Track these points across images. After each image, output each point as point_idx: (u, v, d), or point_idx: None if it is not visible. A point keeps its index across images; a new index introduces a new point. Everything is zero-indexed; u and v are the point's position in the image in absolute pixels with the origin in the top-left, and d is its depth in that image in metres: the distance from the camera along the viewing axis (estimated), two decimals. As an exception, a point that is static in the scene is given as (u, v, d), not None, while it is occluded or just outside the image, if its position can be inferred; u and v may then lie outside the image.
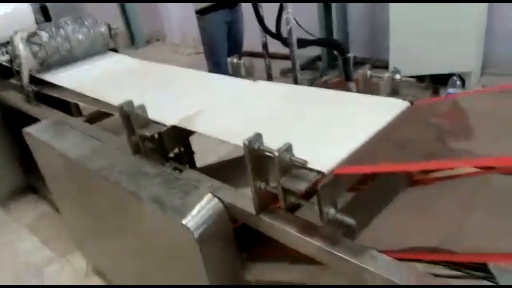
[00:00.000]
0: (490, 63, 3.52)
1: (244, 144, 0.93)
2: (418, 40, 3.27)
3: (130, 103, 1.28)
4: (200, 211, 1.09)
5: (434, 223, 0.98)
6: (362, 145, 0.98)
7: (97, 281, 2.09)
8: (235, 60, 1.59)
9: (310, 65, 4.44)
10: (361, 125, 1.05)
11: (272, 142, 0.93)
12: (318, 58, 4.39)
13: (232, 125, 1.22)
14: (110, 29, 2.20)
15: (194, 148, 1.76)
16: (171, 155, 1.41)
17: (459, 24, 3.13)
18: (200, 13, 3.16)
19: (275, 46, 3.43)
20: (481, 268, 1.93)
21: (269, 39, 3.32)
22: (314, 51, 4.31)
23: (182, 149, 1.72)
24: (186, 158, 1.74)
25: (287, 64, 3.41)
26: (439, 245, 0.90)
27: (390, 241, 0.96)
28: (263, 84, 1.48)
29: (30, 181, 2.79)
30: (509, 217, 0.93)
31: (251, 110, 1.32)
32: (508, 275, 1.81)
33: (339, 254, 0.86)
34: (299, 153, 0.91)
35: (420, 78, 3.46)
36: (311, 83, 3.81)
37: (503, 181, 1.02)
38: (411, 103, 1.11)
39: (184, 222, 1.06)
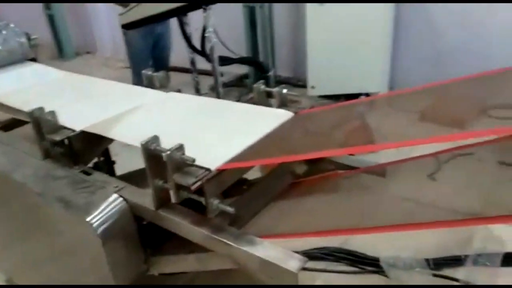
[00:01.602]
0: (396, 84, 3.92)
1: (141, 145, 1.04)
2: (333, 61, 3.58)
3: (40, 109, 1.34)
4: (104, 209, 1.17)
5: (307, 213, 1.15)
6: (249, 147, 1.13)
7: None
8: (149, 72, 1.70)
9: (238, 82, 4.65)
10: (250, 131, 1.21)
11: (172, 144, 1.04)
12: (246, 76, 4.61)
13: (138, 130, 1.32)
14: (29, 38, 2.21)
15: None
16: (91, 165, 1.47)
17: (367, 47, 3.49)
18: (126, 27, 3.23)
19: (206, 63, 3.59)
20: (375, 264, 2.17)
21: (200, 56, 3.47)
22: (242, 69, 4.53)
23: (102, 158, 1.80)
24: (106, 168, 1.81)
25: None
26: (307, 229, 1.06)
27: (271, 227, 1.12)
28: (174, 95, 1.61)
29: None
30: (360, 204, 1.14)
31: (159, 118, 1.43)
32: (395, 269, 2.06)
33: (222, 240, 0.99)
34: (195, 153, 1.04)
35: (336, 97, 3.78)
36: (238, 99, 4.00)
37: (365, 179, 1.23)
38: (296, 113, 1.29)
39: (88, 219, 1.14)
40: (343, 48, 3.55)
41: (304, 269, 1.66)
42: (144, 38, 3.28)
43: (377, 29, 3.50)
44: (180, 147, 1.03)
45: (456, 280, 1.83)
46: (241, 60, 3.59)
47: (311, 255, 1.97)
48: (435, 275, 1.86)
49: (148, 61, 3.28)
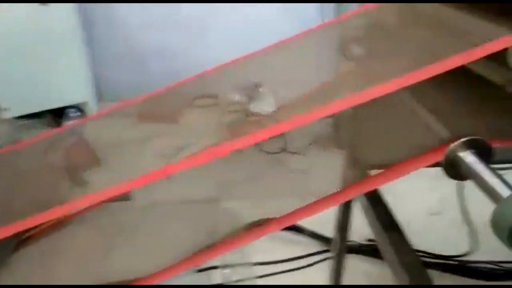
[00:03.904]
0: (104, 91, 3.72)
1: None
2: (21, 75, 3.09)
3: None
4: None
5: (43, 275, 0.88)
6: None
7: None
8: None
9: None
10: None
11: None
12: None
13: None
14: None
15: None
16: None
17: (55, 53, 3.16)
18: None
19: None
20: None
21: None
22: None
23: None
24: None
25: None
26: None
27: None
28: None
29: None
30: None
31: None
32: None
33: None
34: None
35: (40, 115, 3.35)
36: None
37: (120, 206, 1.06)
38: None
39: None
40: (28, 58, 3.10)
41: None
42: None
43: (63, 32, 3.20)
44: None
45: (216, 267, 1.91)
46: None
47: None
48: (199, 271, 1.90)
49: None
